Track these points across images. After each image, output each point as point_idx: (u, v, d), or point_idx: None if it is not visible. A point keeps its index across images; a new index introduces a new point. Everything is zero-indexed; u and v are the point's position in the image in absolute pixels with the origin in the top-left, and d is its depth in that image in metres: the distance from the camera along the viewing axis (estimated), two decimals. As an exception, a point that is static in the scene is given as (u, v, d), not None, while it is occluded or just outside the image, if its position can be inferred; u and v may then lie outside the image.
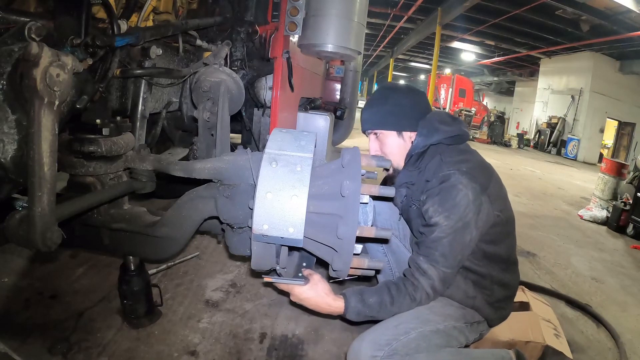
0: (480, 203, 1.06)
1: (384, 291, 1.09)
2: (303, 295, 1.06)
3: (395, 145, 1.25)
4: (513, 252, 1.26)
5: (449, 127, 1.19)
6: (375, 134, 1.27)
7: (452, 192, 1.06)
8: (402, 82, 44.24)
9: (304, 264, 1.16)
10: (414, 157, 1.21)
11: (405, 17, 13.24)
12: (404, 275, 1.12)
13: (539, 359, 1.41)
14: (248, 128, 2.11)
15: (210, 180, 1.17)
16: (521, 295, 1.73)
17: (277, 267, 1.02)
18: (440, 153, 1.16)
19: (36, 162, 0.86)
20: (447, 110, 16.07)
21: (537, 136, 13.99)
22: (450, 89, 17.57)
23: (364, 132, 1.31)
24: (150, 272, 1.67)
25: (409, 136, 1.24)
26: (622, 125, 13.04)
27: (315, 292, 1.05)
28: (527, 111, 17.02)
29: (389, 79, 26.53)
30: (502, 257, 1.21)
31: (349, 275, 0.98)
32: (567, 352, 1.42)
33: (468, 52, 17.51)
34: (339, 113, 3.62)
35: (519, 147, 13.42)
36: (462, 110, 14.22)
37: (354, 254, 0.91)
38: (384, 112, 1.23)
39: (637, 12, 8.15)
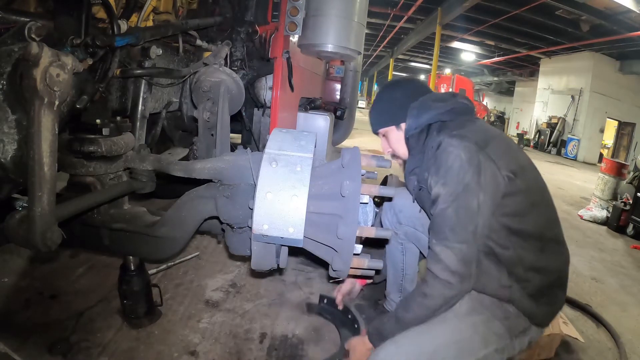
0: (479, 162, 0.96)
1: (400, 303, 1.09)
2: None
3: (398, 139, 1.23)
4: (548, 227, 1.06)
5: (444, 102, 1.13)
6: (382, 133, 1.28)
7: (443, 157, 0.99)
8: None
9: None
10: (412, 140, 1.17)
11: (405, 17, 13.23)
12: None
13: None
14: (248, 128, 2.11)
15: (210, 180, 1.17)
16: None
17: None
18: (441, 130, 1.09)
19: (36, 162, 0.86)
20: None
21: (537, 136, 13.99)
22: (450, 89, 17.56)
23: (374, 132, 1.32)
24: (150, 272, 1.67)
25: (404, 126, 1.22)
26: (622, 125, 13.04)
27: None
28: (527, 111, 17.03)
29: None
30: (533, 234, 1.02)
31: (349, 275, 0.98)
32: (578, 335, 1.59)
33: (468, 52, 17.50)
34: (339, 113, 3.62)
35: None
36: (462, 110, 14.16)
37: (354, 254, 0.91)
38: (380, 110, 1.25)
39: (637, 12, 8.15)
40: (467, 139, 1.00)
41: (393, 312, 1.08)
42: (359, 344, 1.16)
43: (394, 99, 1.23)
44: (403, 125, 1.20)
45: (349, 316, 1.51)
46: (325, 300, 1.63)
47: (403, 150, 1.24)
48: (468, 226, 0.95)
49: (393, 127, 1.23)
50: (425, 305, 1.00)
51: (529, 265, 1.01)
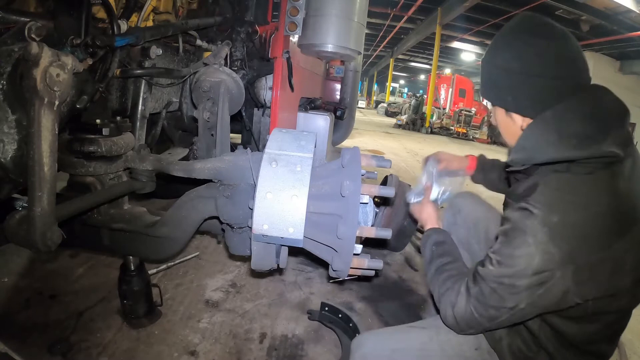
0: (550, 277, 0.71)
1: (449, 258, 0.99)
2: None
3: (504, 125, 0.89)
4: (605, 342, 0.85)
5: (582, 146, 0.72)
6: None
7: (516, 239, 0.74)
8: (402, 81, 43.78)
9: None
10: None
11: (405, 17, 13.25)
12: (463, 275, 0.92)
13: None
14: (248, 128, 2.11)
15: (210, 180, 1.17)
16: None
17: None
18: (552, 180, 0.77)
19: (36, 162, 0.86)
20: (447, 110, 16.09)
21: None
22: (450, 89, 17.56)
23: None
24: (150, 272, 1.67)
25: (520, 120, 0.83)
26: (622, 125, 13.05)
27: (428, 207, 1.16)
28: (527, 111, 16.97)
29: (389, 79, 26.61)
30: (579, 344, 0.83)
31: (349, 275, 0.98)
32: None
33: (468, 52, 17.51)
34: (339, 113, 3.61)
35: (519, 147, 13.37)
36: (462, 110, 14.19)
37: (354, 254, 0.91)
38: (487, 78, 0.87)
39: (637, 12, 8.16)
40: (559, 242, 0.70)
41: (440, 254, 1.01)
42: (430, 210, 1.16)
43: (511, 72, 0.79)
44: (515, 116, 0.84)
45: (350, 324, 1.51)
46: (326, 308, 1.63)
47: (510, 140, 0.89)
48: (490, 310, 0.79)
49: (501, 109, 0.87)
50: (434, 295, 0.96)
51: (542, 346, 0.86)
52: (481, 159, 1.38)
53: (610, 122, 0.75)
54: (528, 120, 0.81)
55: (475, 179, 1.39)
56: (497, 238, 0.81)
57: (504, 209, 0.98)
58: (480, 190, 1.43)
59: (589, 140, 0.73)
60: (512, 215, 0.77)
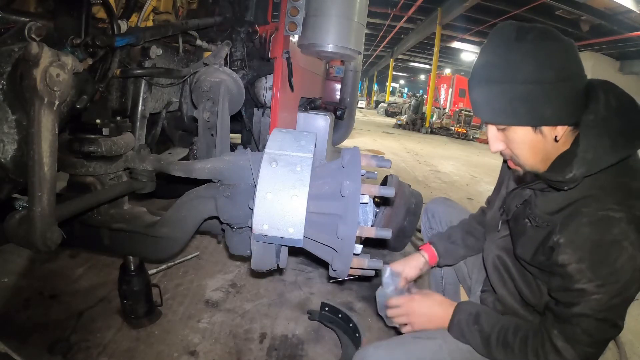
0: None
1: (501, 324, 0.88)
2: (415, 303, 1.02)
3: (529, 145, 0.80)
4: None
5: (628, 143, 0.75)
6: (498, 127, 0.83)
7: (611, 253, 0.70)
8: (402, 81, 43.69)
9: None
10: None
11: (405, 17, 13.26)
12: (533, 330, 0.84)
13: None
14: (248, 128, 2.11)
15: (210, 180, 1.17)
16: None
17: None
18: (610, 186, 0.75)
19: (36, 162, 0.86)
20: (447, 110, 16.09)
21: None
22: (450, 89, 17.58)
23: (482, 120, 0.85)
24: (150, 272, 1.67)
25: (552, 130, 0.78)
26: (622, 125, 13.06)
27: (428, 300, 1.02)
28: (527, 111, 16.98)
29: (389, 79, 26.61)
30: None
31: (349, 275, 0.98)
32: None
33: (468, 52, 17.52)
34: (339, 113, 3.61)
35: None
36: (462, 110, 14.20)
37: (354, 254, 0.91)
38: (511, 97, 0.75)
39: (637, 12, 8.17)
40: None
41: (489, 327, 0.90)
42: (436, 313, 1.00)
43: (542, 83, 0.73)
44: (546, 130, 0.78)
45: (350, 325, 1.51)
46: (326, 308, 1.63)
47: (532, 160, 0.83)
48: (607, 334, 0.77)
49: (528, 128, 0.79)
50: None
51: None
52: (437, 244, 1.25)
53: (635, 112, 0.77)
54: (563, 129, 0.78)
55: (441, 264, 1.27)
56: (559, 267, 0.75)
57: (514, 226, 0.94)
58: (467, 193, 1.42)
59: (632, 134, 0.75)
60: (584, 235, 0.72)
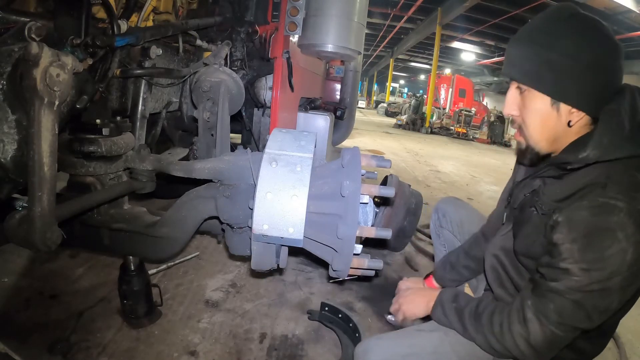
0: (639, 270, 0.71)
1: (478, 300, 0.92)
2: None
3: (541, 116, 0.81)
4: (615, 324, 0.92)
5: None
6: (520, 87, 0.84)
7: (603, 240, 0.70)
8: (402, 81, 43.75)
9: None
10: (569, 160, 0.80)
11: (405, 17, 13.27)
12: (504, 305, 0.88)
13: None
14: (248, 128, 2.11)
15: (210, 180, 1.17)
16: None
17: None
18: (616, 176, 0.75)
19: (36, 162, 0.86)
20: (447, 110, 16.09)
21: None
22: (450, 89, 17.57)
23: (504, 75, 0.87)
24: (150, 272, 1.67)
25: (568, 112, 0.79)
26: (622, 126, 13.03)
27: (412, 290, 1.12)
28: (527, 111, 16.95)
29: (389, 79, 26.62)
30: (598, 327, 0.84)
31: (349, 275, 0.98)
32: None
33: (468, 52, 17.53)
34: (339, 113, 3.61)
35: (519, 147, 13.37)
36: (462, 110, 14.20)
37: (354, 254, 0.91)
38: (543, 60, 0.77)
39: (637, 12, 8.17)
40: None
41: (465, 304, 0.94)
42: (421, 298, 1.07)
43: (577, 59, 0.75)
44: (564, 107, 0.79)
45: (350, 325, 1.51)
46: (326, 308, 1.63)
47: (538, 136, 0.84)
48: (577, 323, 0.76)
49: (546, 98, 0.79)
50: (483, 341, 0.87)
51: (573, 347, 0.88)
52: (439, 274, 1.32)
53: None
54: (580, 115, 0.78)
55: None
56: (552, 245, 0.76)
57: (519, 215, 0.94)
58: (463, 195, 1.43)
59: None
60: (579, 218, 0.73)
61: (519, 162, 1.05)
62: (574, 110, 0.78)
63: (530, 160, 0.92)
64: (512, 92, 0.85)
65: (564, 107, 0.78)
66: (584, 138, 0.79)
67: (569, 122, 0.79)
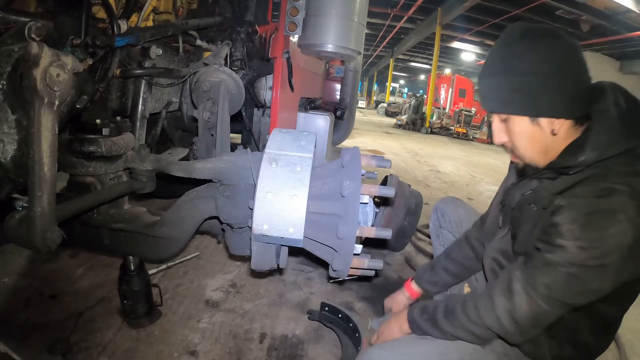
0: (637, 250, 0.72)
1: (446, 301, 0.93)
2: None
3: (526, 136, 0.85)
4: (620, 316, 0.91)
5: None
6: (500, 116, 0.88)
7: (604, 220, 0.72)
8: (402, 81, 43.81)
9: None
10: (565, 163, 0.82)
11: (405, 17, 13.26)
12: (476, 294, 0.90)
13: None
14: (248, 128, 2.11)
15: (210, 180, 1.17)
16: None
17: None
18: (617, 167, 0.78)
19: (36, 162, 0.86)
20: (447, 110, 16.09)
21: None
22: (450, 89, 17.56)
23: (484, 109, 0.92)
24: (150, 272, 1.67)
25: (549, 123, 0.81)
26: (622, 125, 13.04)
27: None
28: (527, 111, 16.96)
29: (389, 79, 26.60)
30: (604, 319, 0.88)
31: (349, 275, 0.98)
32: None
33: (468, 52, 17.52)
34: (339, 113, 3.62)
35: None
36: (462, 110, 14.19)
37: (354, 254, 0.91)
38: (510, 87, 0.81)
39: (637, 12, 8.17)
40: None
41: (434, 309, 0.96)
42: (394, 324, 1.07)
43: (539, 74, 0.78)
44: (543, 121, 0.81)
45: (350, 325, 1.51)
46: (326, 308, 1.63)
47: (531, 153, 0.87)
48: (569, 298, 0.77)
49: (524, 118, 0.83)
50: (464, 328, 0.88)
51: (577, 342, 0.88)
52: (418, 273, 1.33)
53: None
54: (561, 122, 0.81)
55: (432, 295, 1.33)
56: (552, 226, 0.77)
57: (518, 214, 0.95)
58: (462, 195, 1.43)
59: None
60: (581, 201, 0.75)
61: (517, 173, 1.06)
62: (553, 119, 0.81)
63: (532, 171, 0.94)
64: (495, 122, 0.90)
65: (543, 121, 0.81)
66: (579, 141, 0.81)
67: (553, 131, 0.82)
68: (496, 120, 0.89)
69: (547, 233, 0.78)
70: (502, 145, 0.92)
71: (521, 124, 0.84)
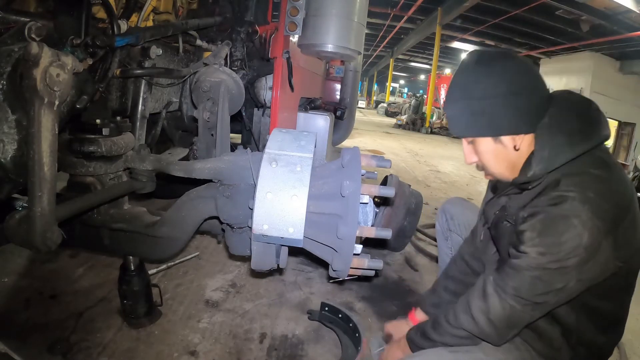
0: (597, 249, 0.76)
1: (432, 317, 1.04)
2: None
3: (492, 155, 0.91)
4: (624, 309, 0.94)
5: (586, 138, 0.82)
6: (468, 140, 0.96)
7: (559, 226, 0.77)
8: (402, 81, 43.80)
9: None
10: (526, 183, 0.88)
11: (405, 17, 13.26)
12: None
13: None
14: (248, 128, 2.11)
15: (210, 180, 1.17)
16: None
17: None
18: (567, 174, 0.83)
19: (36, 162, 0.86)
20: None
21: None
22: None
23: (452, 134, 1.01)
24: (150, 272, 1.67)
25: (511, 140, 0.88)
26: (622, 126, 13.01)
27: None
28: (527, 111, 16.96)
29: (389, 79, 26.60)
30: (605, 314, 0.91)
31: (349, 275, 0.98)
32: None
33: (468, 52, 17.48)
34: (339, 113, 3.62)
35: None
36: (462, 110, 14.18)
37: (354, 254, 0.91)
38: (470, 112, 0.88)
39: (637, 12, 8.16)
40: (601, 215, 0.75)
41: (424, 324, 1.07)
42: (395, 348, 1.14)
43: (496, 96, 0.84)
44: (505, 139, 0.88)
45: (350, 325, 1.51)
46: (326, 308, 1.63)
47: (499, 169, 0.93)
48: (537, 297, 0.82)
49: (488, 139, 0.90)
50: (451, 333, 0.95)
51: (585, 341, 0.91)
52: (422, 298, 1.38)
53: (591, 112, 0.86)
54: (522, 137, 0.87)
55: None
56: (518, 234, 0.84)
57: (495, 232, 1.02)
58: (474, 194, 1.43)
59: (588, 131, 0.83)
60: (538, 209, 0.81)
61: (492, 190, 1.12)
62: (514, 136, 0.87)
63: (503, 187, 1.00)
64: (464, 145, 0.97)
65: (505, 139, 0.88)
66: (529, 157, 0.87)
67: (515, 147, 0.88)
68: (464, 142, 0.96)
69: (514, 241, 0.86)
70: (475, 165, 0.99)
71: (485, 144, 0.91)
